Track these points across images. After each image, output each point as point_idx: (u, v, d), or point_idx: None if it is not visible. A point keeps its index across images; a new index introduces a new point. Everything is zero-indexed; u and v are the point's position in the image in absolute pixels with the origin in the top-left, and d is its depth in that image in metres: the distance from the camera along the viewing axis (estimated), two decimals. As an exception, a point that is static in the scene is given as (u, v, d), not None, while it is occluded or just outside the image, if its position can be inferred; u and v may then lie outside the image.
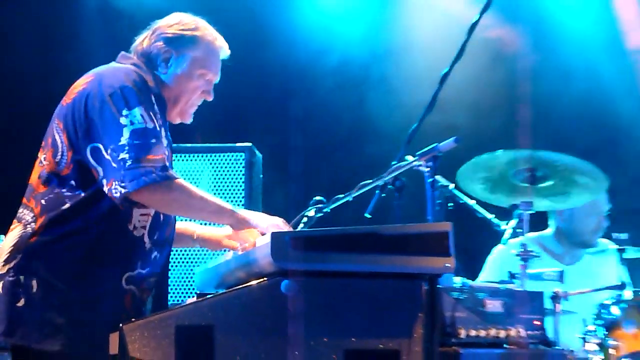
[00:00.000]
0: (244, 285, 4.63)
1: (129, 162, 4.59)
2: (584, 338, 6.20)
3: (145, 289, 4.95)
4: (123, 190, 4.60)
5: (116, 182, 4.62)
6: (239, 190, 6.67)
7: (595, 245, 7.45)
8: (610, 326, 6.05)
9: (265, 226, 4.85)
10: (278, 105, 8.42)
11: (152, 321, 4.53)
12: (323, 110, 8.65)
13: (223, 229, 5.21)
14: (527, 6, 8.72)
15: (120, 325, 4.47)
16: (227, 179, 6.77)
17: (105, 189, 4.66)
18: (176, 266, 5.55)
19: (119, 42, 5.27)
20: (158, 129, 4.77)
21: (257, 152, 6.92)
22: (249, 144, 6.89)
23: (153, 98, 4.88)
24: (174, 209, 4.97)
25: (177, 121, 5.10)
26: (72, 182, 4.74)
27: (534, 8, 8.85)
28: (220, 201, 5.00)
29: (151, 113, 4.76)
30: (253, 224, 4.90)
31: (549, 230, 7.49)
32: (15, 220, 4.85)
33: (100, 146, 4.68)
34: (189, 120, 5.17)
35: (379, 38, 8.89)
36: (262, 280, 4.56)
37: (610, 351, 6.04)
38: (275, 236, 4.48)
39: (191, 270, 5.79)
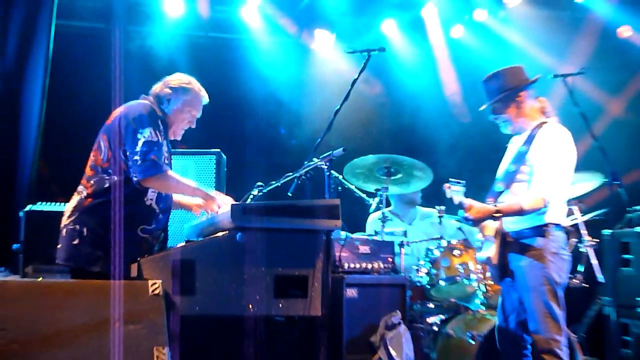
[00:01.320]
0: (214, 236, 4.63)
1: (139, 162, 4.73)
2: (417, 269, 6.21)
3: (154, 237, 4.95)
4: (136, 179, 4.75)
5: (133, 174, 4.75)
6: (211, 179, 6.64)
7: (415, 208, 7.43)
8: (434, 262, 6.07)
9: (221, 201, 4.96)
10: (236, 127, 8.37)
11: (158, 257, 4.54)
12: (261, 129, 8.62)
13: (195, 199, 5.19)
14: (383, 69, 8.74)
15: (138, 259, 4.53)
16: (205, 171, 6.73)
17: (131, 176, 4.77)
18: (173, 224, 5.49)
19: (144, 80, 5.24)
20: (161, 141, 4.86)
21: (223, 155, 6.89)
22: (218, 150, 6.85)
23: (160, 122, 4.95)
24: (168, 189, 5.01)
25: (172, 138, 5.12)
26: (110, 171, 4.80)
27: (388, 70, 8.87)
28: (196, 184, 5.07)
29: (157, 131, 4.85)
30: (215, 199, 4.99)
31: (395, 202, 7.46)
32: (75, 193, 4.89)
33: (126, 149, 4.77)
34: (179, 138, 5.20)
35: (295, 84, 8.84)
36: (225, 232, 4.54)
37: (433, 277, 6.06)
38: (234, 206, 4.52)
39: (182, 226, 5.73)
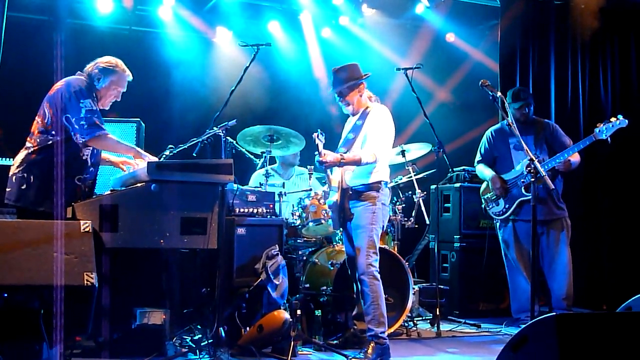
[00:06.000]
0: (134, 186, 4.55)
1: (85, 126, 4.65)
2: (292, 213, 6.24)
3: (86, 185, 4.85)
4: (82, 140, 4.68)
5: (79, 135, 4.68)
6: (132, 141, 6.47)
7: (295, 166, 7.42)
8: (304, 208, 6.09)
9: (147, 159, 4.82)
10: (153, 101, 8.14)
11: (89, 202, 4.45)
12: (173, 103, 8.43)
13: (121, 157, 5.16)
14: (269, 60, 8.68)
15: (72, 204, 4.44)
16: (127, 135, 6.58)
17: (74, 137, 4.69)
18: (101, 176, 5.34)
19: (79, 63, 5.03)
20: (97, 109, 4.79)
21: (142, 123, 6.75)
22: (138, 119, 6.72)
23: (93, 95, 4.85)
24: (107, 148, 4.96)
25: (101, 108, 4.96)
26: (53, 132, 4.69)
27: (273, 61, 8.81)
28: (129, 144, 5.08)
29: (94, 102, 4.78)
30: (143, 156, 4.87)
31: (278, 163, 7.42)
32: (23, 148, 4.78)
33: (69, 116, 4.67)
34: (107, 108, 5.05)
35: (200, 69, 8.67)
36: (142, 183, 4.46)
37: (304, 219, 6.09)
38: (149, 163, 4.49)
39: (108, 178, 5.60)
